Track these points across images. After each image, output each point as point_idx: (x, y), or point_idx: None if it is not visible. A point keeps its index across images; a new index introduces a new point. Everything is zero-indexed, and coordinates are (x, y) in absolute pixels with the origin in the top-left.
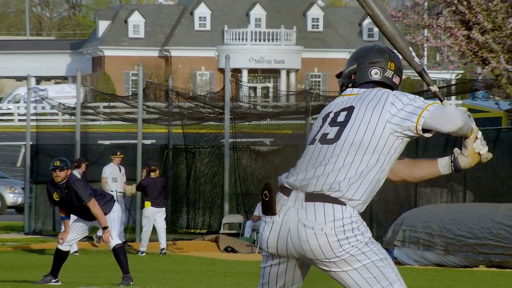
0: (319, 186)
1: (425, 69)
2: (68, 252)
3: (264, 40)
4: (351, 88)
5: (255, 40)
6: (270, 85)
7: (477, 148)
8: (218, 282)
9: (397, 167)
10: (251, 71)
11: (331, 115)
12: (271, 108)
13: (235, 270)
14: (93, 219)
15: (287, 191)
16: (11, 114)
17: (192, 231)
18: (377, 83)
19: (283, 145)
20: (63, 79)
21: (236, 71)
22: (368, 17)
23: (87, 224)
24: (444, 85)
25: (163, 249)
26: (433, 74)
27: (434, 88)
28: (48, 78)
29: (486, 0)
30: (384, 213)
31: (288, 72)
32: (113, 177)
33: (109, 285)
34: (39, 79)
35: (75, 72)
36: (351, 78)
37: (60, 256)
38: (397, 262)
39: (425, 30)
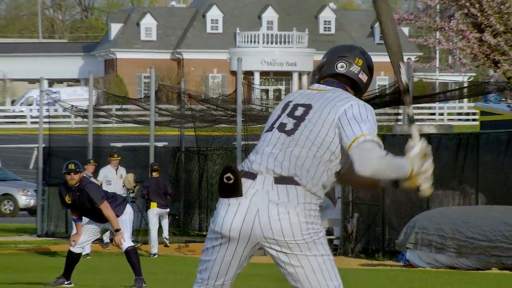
0: (288, 171)
1: (410, 89)
2: (80, 254)
3: (276, 43)
4: (318, 84)
5: (267, 43)
6: (282, 87)
7: (418, 181)
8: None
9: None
10: (263, 73)
11: (290, 105)
12: None
13: (246, 272)
14: (105, 221)
15: (251, 176)
16: (23, 116)
17: (204, 233)
18: (343, 77)
19: None
20: (75, 81)
21: (248, 74)
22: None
23: (99, 226)
24: (456, 87)
25: (165, 238)
26: (445, 77)
27: (409, 111)
28: (60, 81)
29: (498, 3)
30: (396, 216)
31: (300, 74)
32: (107, 180)
33: (122, 287)
34: (51, 82)
35: (88, 74)
36: (320, 70)
37: (73, 258)
38: (410, 265)
39: (437, 33)
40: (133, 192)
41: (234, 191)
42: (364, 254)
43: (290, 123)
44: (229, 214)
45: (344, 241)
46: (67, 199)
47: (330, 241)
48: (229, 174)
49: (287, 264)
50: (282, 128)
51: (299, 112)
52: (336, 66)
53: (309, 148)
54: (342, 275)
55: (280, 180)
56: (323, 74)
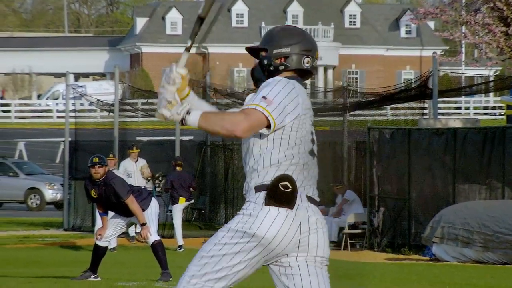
0: (312, 192)
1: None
2: (106, 248)
3: None
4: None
5: None
6: (308, 81)
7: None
8: (257, 278)
9: None
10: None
11: (313, 128)
12: None
13: None
14: (130, 215)
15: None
16: (49, 110)
17: None
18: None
19: (321, 141)
20: (101, 76)
21: None
22: None
23: (124, 220)
24: (482, 81)
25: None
26: (471, 71)
27: (189, 45)
28: (86, 75)
29: None
30: (422, 210)
31: (326, 68)
32: (127, 173)
33: (148, 281)
34: (77, 76)
35: (113, 69)
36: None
37: (99, 252)
38: (436, 259)
39: (463, 27)
40: (153, 179)
41: (289, 201)
42: (390, 248)
43: (315, 149)
44: (277, 222)
45: (370, 235)
46: (93, 193)
47: (356, 235)
48: (286, 183)
49: (295, 275)
50: (315, 155)
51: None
52: (303, 62)
53: None
54: (368, 270)
55: (310, 199)
56: (290, 67)
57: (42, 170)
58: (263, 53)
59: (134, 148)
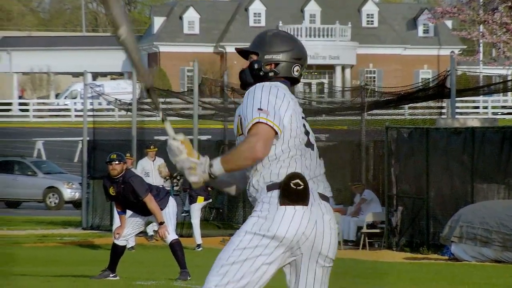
0: (325, 189)
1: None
2: (124, 247)
3: (319, 36)
4: (280, 79)
5: (310, 36)
6: (325, 81)
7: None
8: (275, 278)
9: None
10: (306, 67)
11: (303, 117)
12: (326, 104)
13: None
14: (148, 214)
15: None
16: (67, 110)
17: None
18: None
19: (339, 141)
20: (119, 75)
21: None
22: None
23: (142, 219)
24: (500, 81)
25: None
26: (489, 70)
27: (161, 116)
28: (104, 74)
29: None
30: (441, 209)
31: (343, 68)
32: (145, 172)
33: (167, 280)
34: (95, 75)
35: (131, 68)
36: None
37: (117, 251)
38: (455, 258)
39: (481, 26)
40: (170, 179)
41: (303, 198)
42: (409, 247)
43: (315, 144)
44: (295, 220)
45: (388, 235)
46: (111, 191)
47: (374, 235)
48: (297, 180)
49: (307, 268)
50: (314, 146)
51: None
52: (293, 70)
53: None
54: (386, 269)
55: (322, 197)
56: (279, 74)
57: (61, 169)
58: (254, 57)
59: (152, 147)
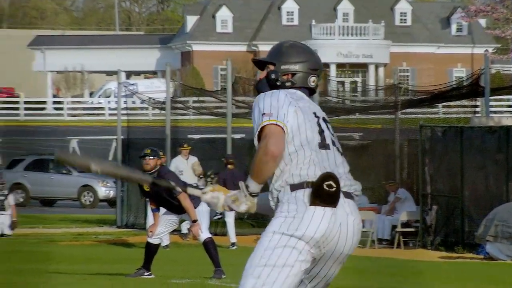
0: (349, 187)
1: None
2: (158, 245)
3: (352, 35)
4: (296, 88)
5: (343, 35)
6: (359, 79)
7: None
8: None
9: None
10: (339, 65)
11: (320, 118)
12: (360, 103)
13: None
14: (181, 212)
15: None
16: (102, 108)
17: None
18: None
19: (373, 139)
20: (152, 73)
21: (324, 66)
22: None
23: (176, 217)
24: None
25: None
26: None
27: (181, 189)
28: (137, 73)
29: None
30: (475, 208)
31: (377, 66)
32: (179, 170)
33: (201, 278)
34: (129, 74)
35: (164, 66)
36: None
37: (151, 249)
38: (490, 257)
39: None
40: (204, 177)
41: (334, 200)
42: (444, 246)
43: (336, 142)
44: (324, 222)
45: (423, 234)
46: (146, 187)
47: (409, 233)
48: (331, 182)
49: (327, 269)
50: (334, 145)
51: (331, 129)
52: (309, 80)
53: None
54: (422, 268)
55: (346, 195)
56: (296, 84)
57: None
58: (271, 67)
59: (185, 145)
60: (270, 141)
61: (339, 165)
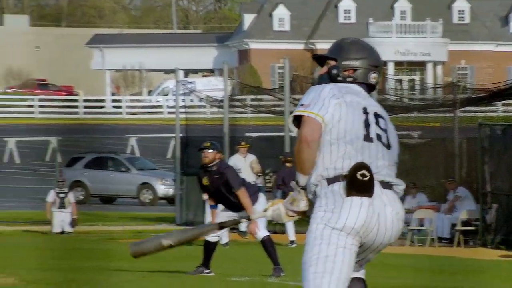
0: (388, 177)
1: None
2: (216, 243)
3: (410, 33)
4: (356, 84)
5: (401, 33)
6: (417, 77)
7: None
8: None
9: None
10: (397, 63)
11: (370, 112)
12: (418, 101)
13: (388, 262)
14: (239, 210)
15: None
16: (160, 106)
17: None
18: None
19: (431, 138)
20: (210, 72)
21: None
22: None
23: (234, 215)
24: None
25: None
26: None
27: (245, 218)
28: (195, 71)
29: None
30: None
31: (435, 64)
32: (237, 168)
33: (260, 276)
34: (186, 72)
35: (222, 65)
36: (353, 72)
37: (209, 247)
38: None
39: None
40: (263, 175)
41: (369, 189)
42: (504, 245)
43: (383, 136)
44: (362, 211)
45: (483, 232)
46: (204, 181)
47: (469, 232)
48: (364, 171)
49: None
50: (379, 138)
51: (382, 124)
52: (369, 77)
53: (394, 161)
54: (482, 266)
55: (385, 185)
56: (358, 79)
57: (154, 165)
58: (332, 63)
59: (243, 143)
60: (303, 130)
61: (379, 158)
